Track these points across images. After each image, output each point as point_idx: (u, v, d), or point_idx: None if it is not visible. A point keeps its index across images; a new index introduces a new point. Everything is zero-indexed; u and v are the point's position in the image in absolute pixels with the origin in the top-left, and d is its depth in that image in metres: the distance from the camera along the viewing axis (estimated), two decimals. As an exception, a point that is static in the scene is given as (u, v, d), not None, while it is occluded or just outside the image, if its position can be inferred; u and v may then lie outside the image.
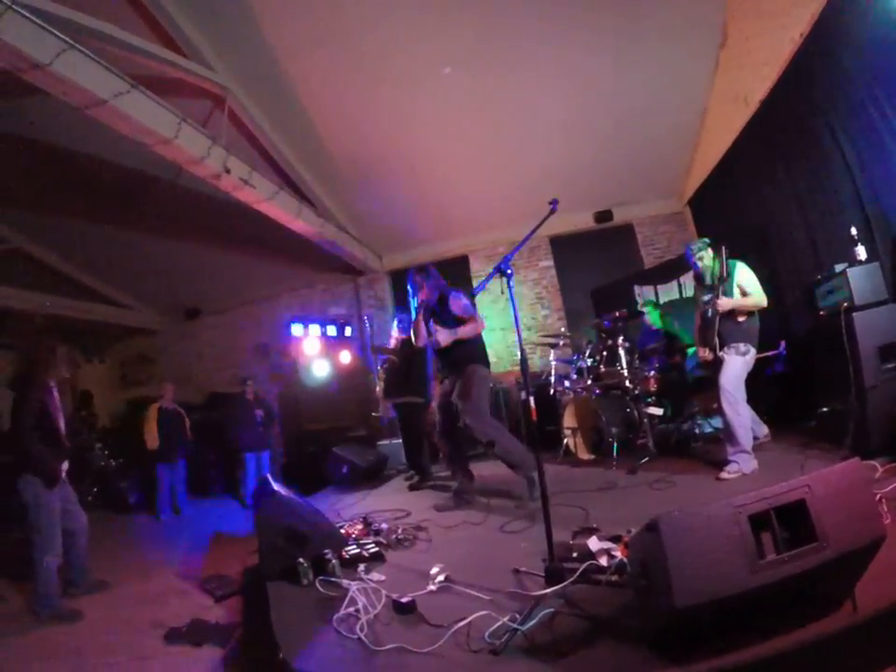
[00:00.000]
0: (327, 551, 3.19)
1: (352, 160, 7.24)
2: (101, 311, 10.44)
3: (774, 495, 1.76)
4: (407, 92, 6.22)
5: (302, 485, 7.36)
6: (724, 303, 4.03)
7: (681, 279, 7.40)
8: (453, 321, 4.30)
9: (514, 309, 2.78)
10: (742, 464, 3.91)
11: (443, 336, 4.25)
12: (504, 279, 2.78)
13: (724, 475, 3.92)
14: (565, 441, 5.95)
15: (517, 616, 2.24)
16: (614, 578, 2.35)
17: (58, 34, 3.88)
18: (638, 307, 6.53)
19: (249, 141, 6.65)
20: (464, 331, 4.24)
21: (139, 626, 3.44)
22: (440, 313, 4.40)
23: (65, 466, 4.03)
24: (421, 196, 8.09)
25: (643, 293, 7.75)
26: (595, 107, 6.64)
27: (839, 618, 1.82)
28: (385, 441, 7.66)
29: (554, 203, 2.85)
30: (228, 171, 5.66)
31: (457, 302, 4.31)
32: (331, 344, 8.65)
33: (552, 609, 2.26)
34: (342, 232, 8.19)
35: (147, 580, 4.45)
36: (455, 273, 9.19)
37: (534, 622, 2.18)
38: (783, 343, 5.21)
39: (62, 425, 4.01)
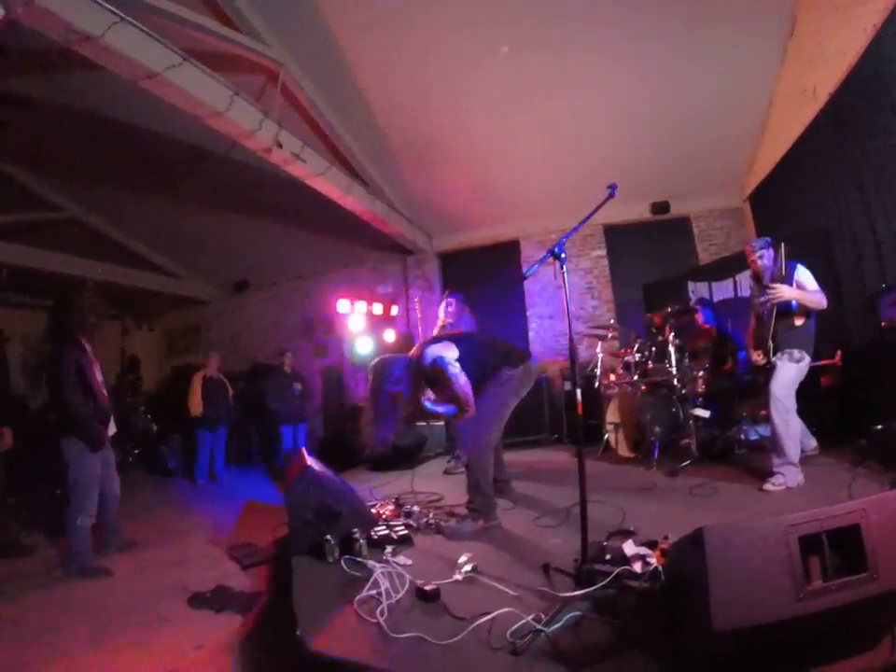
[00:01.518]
0: (355, 530, 3.17)
1: (405, 139, 7.19)
2: (152, 279, 10.73)
3: (828, 517, 1.61)
4: (464, 74, 6.10)
5: (339, 461, 7.43)
6: (785, 291, 3.76)
7: (737, 277, 7.04)
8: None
9: (566, 297, 2.66)
10: (787, 477, 3.70)
11: (443, 409, 3.71)
12: (557, 264, 2.65)
13: (768, 487, 3.71)
14: (606, 436, 5.79)
15: (542, 616, 2.15)
16: (647, 585, 2.22)
17: (109, 6, 3.92)
18: (692, 304, 6.25)
19: (302, 116, 6.64)
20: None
21: (164, 588, 3.50)
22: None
23: (112, 429, 4.09)
24: (474, 179, 7.97)
25: (697, 289, 7.45)
26: (657, 95, 6.39)
27: (876, 656, 1.66)
28: (424, 423, 7.61)
29: (614, 187, 2.70)
30: (280, 145, 5.66)
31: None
32: (377, 323, 8.64)
33: (579, 613, 2.16)
34: (392, 211, 8.15)
35: (178, 543, 4.53)
36: (506, 258, 9.12)
37: (559, 624, 2.09)
38: (839, 353, 4.89)
39: (100, 381, 4.03)
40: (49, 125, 6.55)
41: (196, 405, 7.30)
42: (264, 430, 8.78)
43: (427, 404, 3.66)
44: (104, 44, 3.95)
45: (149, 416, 9.22)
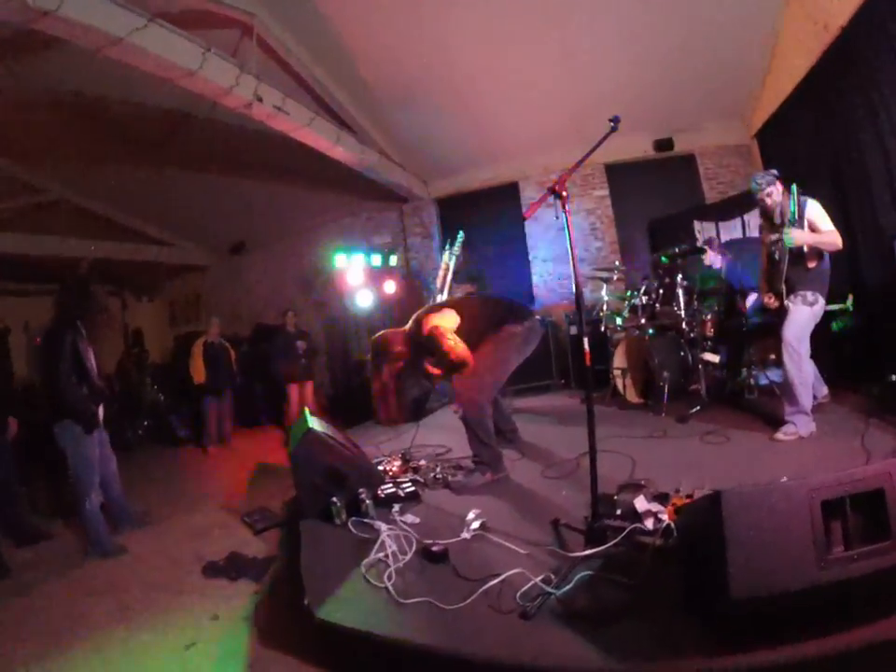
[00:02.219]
0: (362, 490, 3.14)
1: (393, 81, 6.86)
2: (147, 251, 10.67)
3: (852, 480, 1.51)
4: (448, 10, 5.75)
5: (349, 417, 7.46)
6: (798, 236, 3.56)
7: (746, 217, 6.83)
8: None
9: (570, 237, 2.50)
10: (800, 426, 3.58)
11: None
12: (559, 202, 2.49)
13: (780, 436, 3.61)
14: (613, 381, 5.70)
15: (552, 577, 2.10)
16: (660, 542, 2.16)
17: None
18: (699, 244, 6.05)
19: (282, 68, 6.37)
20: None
21: (181, 561, 3.53)
22: None
23: (100, 413, 4.02)
24: (468, 119, 7.63)
25: (703, 229, 7.22)
26: (658, 22, 5.97)
27: (893, 623, 1.56)
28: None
29: (616, 119, 2.51)
30: (259, 99, 5.42)
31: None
32: (376, 274, 8.50)
33: (590, 572, 2.11)
34: (384, 159, 7.88)
35: (192, 513, 4.55)
36: (505, 200, 8.87)
37: (570, 585, 2.04)
38: (851, 297, 4.72)
39: (93, 367, 3.96)
40: (21, 109, 6.31)
41: (199, 372, 7.25)
42: (271, 391, 8.78)
43: (430, 368, 3.58)
44: (62, 16, 3.74)
45: (156, 388, 9.23)
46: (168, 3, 4.78)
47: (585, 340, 2.49)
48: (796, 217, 3.60)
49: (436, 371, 3.57)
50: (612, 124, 2.50)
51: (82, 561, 3.71)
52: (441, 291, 5.87)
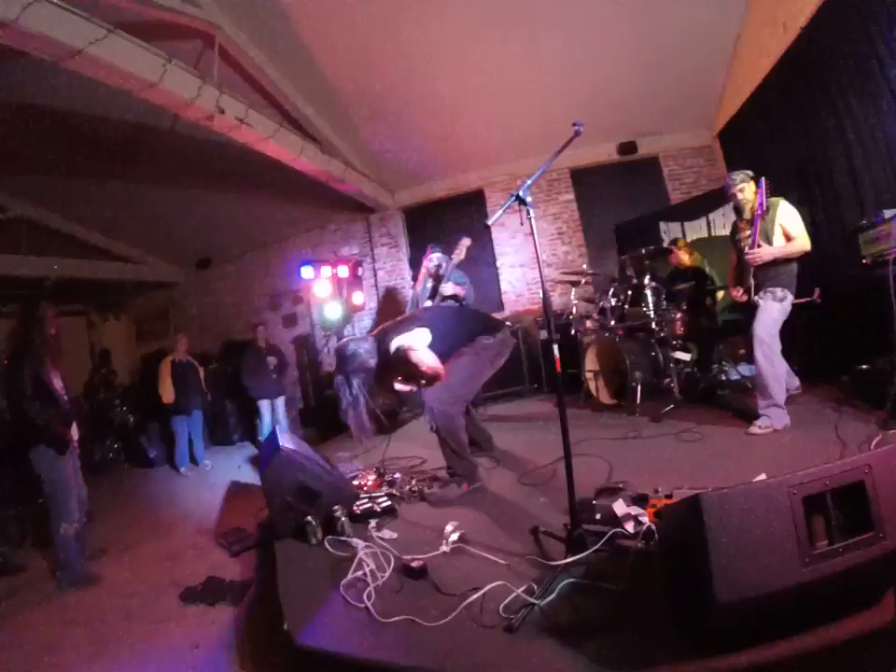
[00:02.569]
0: (336, 507, 3.08)
1: (357, 91, 6.81)
2: (111, 268, 10.35)
3: (831, 474, 1.50)
4: (415, 19, 5.73)
5: (321, 430, 7.37)
6: (766, 253, 3.68)
7: (710, 216, 6.94)
8: None
9: (535, 243, 2.48)
10: (774, 419, 3.64)
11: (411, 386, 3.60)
12: (524, 210, 2.47)
13: (755, 430, 3.65)
14: (585, 384, 5.71)
15: (534, 587, 2.07)
16: (642, 545, 2.14)
17: None
18: (665, 244, 6.12)
19: (245, 79, 6.26)
20: None
21: (158, 587, 3.46)
22: None
23: (74, 433, 3.91)
24: (432, 127, 7.62)
25: (669, 230, 7.32)
26: (619, 28, 6.05)
27: (878, 612, 1.59)
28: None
29: (579, 124, 2.48)
30: (221, 111, 5.33)
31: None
32: (344, 285, 8.42)
33: (573, 580, 2.08)
34: (349, 169, 7.81)
35: (166, 536, 4.46)
36: (471, 208, 8.88)
37: (553, 595, 2.01)
38: (817, 291, 4.82)
39: (58, 386, 3.84)
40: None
41: (167, 392, 7.06)
42: (243, 408, 8.63)
43: (397, 385, 3.45)
44: (21, 27, 3.68)
45: (125, 408, 8.98)
46: (129, 13, 4.68)
47: (556, 347, 2.47)
48: (763, 211, 3.69)
49: (404, 386, 3.46)
50: (576, 128, 2.49)
51: (56, 590, 3.61)
52: (420, 294, 5.75)
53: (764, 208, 3.68)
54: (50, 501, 3.67)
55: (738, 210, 4.05)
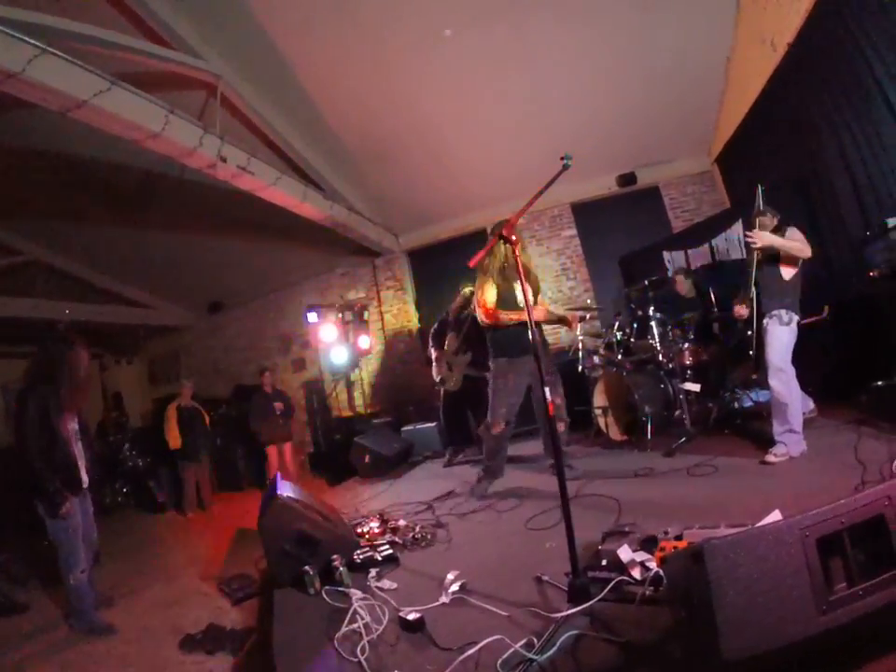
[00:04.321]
0: (335, 557, 2.99)
1: (359, 137, 6.95)
2: (123, 313, 10.56)
3: (847, 511, 1.39)
4: (413, 61, 5.87)
5: (330, 475, 7.26)
6: (759, 236, 3.60)
7: (714, 242, 6.87)
8: None
9: (522, 284, 2.43)
10: (790, 446, 3.51)
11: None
12: (506, 246, 2.44)
13: (771, 458, 3.51)
14: (595, 420, 5.58)
15: (535, 640, 1.94)
16: (650, 592, 2.01)
17: (29, 40, 3.80)
18: (669, 274, 6.05)
19: (247, 127, 6.42)
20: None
21: (157, 634, 3.40)
22: None
23: (84, 480, 3.78)
24: (435, 171, 7.71)
25: (673, 259, 7.26)
26: (614, 63, 6.15)
27: None
28: (411, 427, 7.40)
29: (566, 158, 2.44)
30: (224, 159, 5.46)
31: None
32: (350, 329, 8.43)
33: (576, 632, 1.94)
34: (352, 214, 7.88)
35: (170, 582, 4.41)
36: (475, 248, 8.80)
37: (554, 649, 1.87)
38: (826, 308, 4.71)
39: (71, 429, 3.71)
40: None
41: (174, 437, 7.06)
42: (251, 453, 8.56)
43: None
44: (27, 79, 3.82)
45: (134, 452, 8.97)
46: (133, 65, 4.86)
47: (547, 390, 2.39)
48: (761, 211, 3.72)
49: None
50: (563, 161, 2.45)
51: (58, 635, 3.55)
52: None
53: (760, 208, 3.69)
54: (57, 549, 3.56)
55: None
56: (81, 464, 3.75)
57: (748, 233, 3.67)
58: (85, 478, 3.78)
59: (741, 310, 3.91)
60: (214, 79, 5.57)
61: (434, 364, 6.11)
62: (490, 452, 4.33)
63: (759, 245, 3.63)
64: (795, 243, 3.61)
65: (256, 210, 7.14)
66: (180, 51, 5.19)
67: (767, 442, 3.68)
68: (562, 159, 2.46)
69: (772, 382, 3.61)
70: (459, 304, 6.02)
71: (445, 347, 5.99)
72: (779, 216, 3.83)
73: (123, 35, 4.65)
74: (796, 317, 3.65)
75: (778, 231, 3.70)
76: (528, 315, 2.42)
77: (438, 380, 6.13)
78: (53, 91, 4.03)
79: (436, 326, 6.35)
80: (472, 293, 5.54)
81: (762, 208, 3.85)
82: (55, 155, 6.22)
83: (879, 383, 3.83)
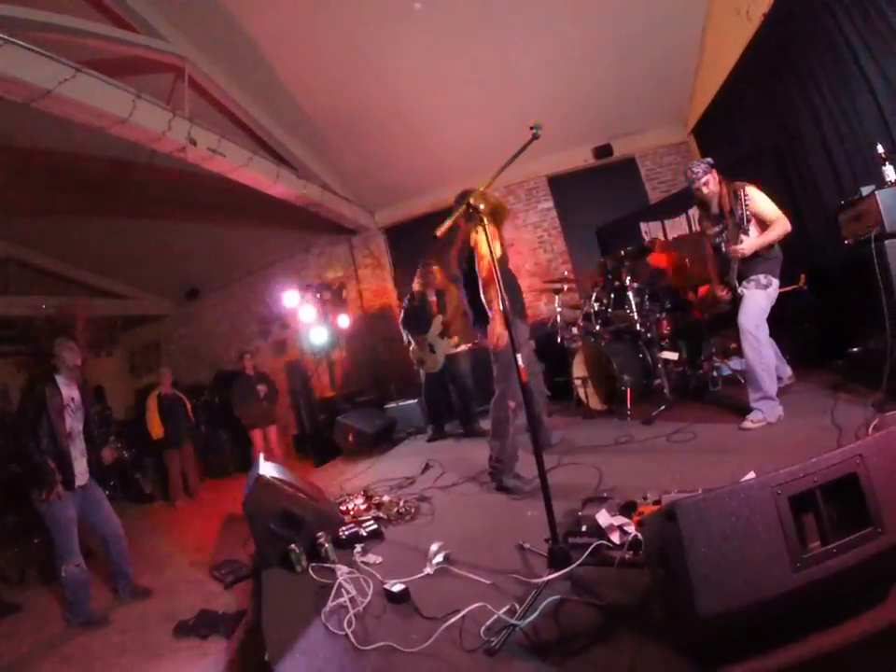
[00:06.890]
0: (320, 534, 3.01)
1: (330, 114, 6.82)
2: (100, 304, 10.35)
3: (819, 469, 1.41)
4: (382, 35, 5.73)
5: (316, 455, 7.27)
6: (746, 248, 3.57)
7: (690, 212, 6.92)
8: None
9: (492, 256, 2.45)
10: (766, 411, 3.54)
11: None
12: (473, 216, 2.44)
13: (748, 424, 3.55)
14: (575, 391, 5.63)
15: (517, 607, 1.98)
16: (629, 556, 2.05)
17: None
18: (645, 244, 6.08)
19: (217, 109, 6.27)
20: None
21: (151, 621, 3.49)
22: None
23: (83, 474, 3.85)
24: (409, 145, 7.62)
25: (650, 229, 7.30)
26: (586, 33, 6.08)
27: (883, 611, 1.47)
28: (393, 404, 7.41)
29: (535, 127, 2.42)
30: (193, 142, 5.32)
31: None
32: (329, 309, 8.38)
33: (557, 597, 1.98)
34: (327, 192, 7.78)
35: (162, 571, 4.49)
36: (450, 221, 8.82)
37: (535, 614, 1.91)
38: (804, 277, 4.77)
39: (67, 424, 3.78)
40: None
41: (156, 426, 7.06)
42: (237, 438, 8.54)
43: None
44: None
45: (119, 445, 8.89)
46: (97, 51, 4.71)
47: (518, 356, 2.41)
48: (736, 210, 3.60)
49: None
50: (534, 131, 2.43)
51: (55, 630, 3.60)
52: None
53: (736, 206, 3.59)
54: (53, 541, 3.64)
55: (703, 204, 3.97)
56: (79, 460, 3.83)
57: (733, 248, 3.62)
58: (83, 473, 3.85)
59: (724, 294, 3.90)
60: (180, 61, 5.42)
61: (415, 346, 6.09)
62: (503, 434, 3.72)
63: (748, 255, 3.61)
64: (777, 229, 3.59)
65: (229, 194, 7.05)
66: (145, 34, 5.05)
67: (746, 410, 3.71)
68: (531, 128, 2.44)
69: (744, 346, 3.63)
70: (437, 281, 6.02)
71: (430, 330, 5.98)
72: (713, 165, 3.83)
73: (87, 21, 4.50)
74: (776, 281, 3.65)
75: (735, 196, 3.63)
76: (497, 280, 2.45)
77: (416, 361, 6.14)
78: (17, 81, 3.90)
79: (403, 313, 6.31)
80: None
81: (695, 170, 3.84)
82: (20, 148, 6.05)
83: (855, 349, 3.90)
